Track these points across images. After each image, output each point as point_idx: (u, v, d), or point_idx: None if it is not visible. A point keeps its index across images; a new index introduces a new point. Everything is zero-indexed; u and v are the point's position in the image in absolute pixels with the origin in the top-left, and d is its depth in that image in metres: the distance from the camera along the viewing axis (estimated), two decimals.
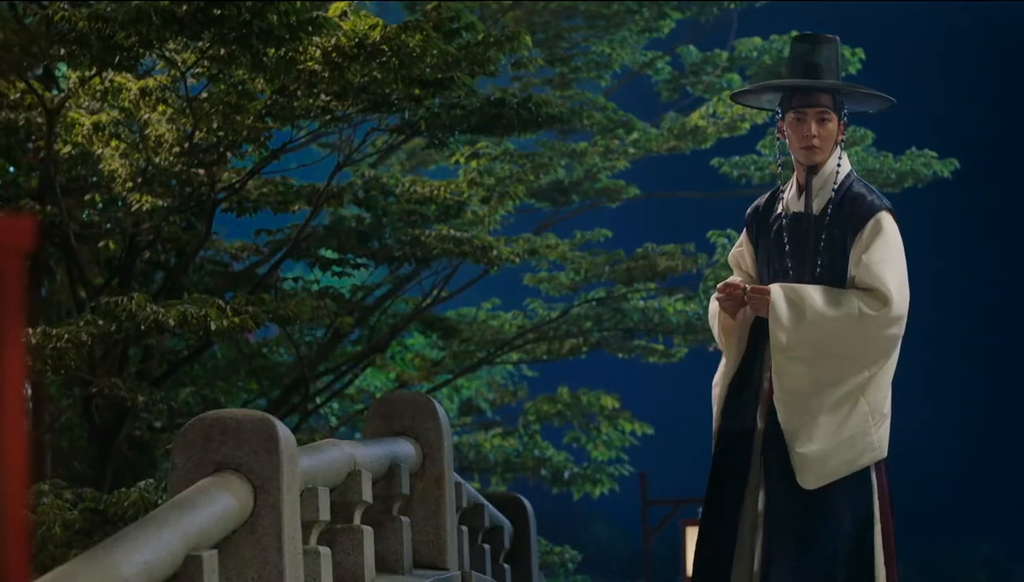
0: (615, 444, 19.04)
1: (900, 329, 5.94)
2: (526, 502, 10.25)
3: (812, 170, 6.10)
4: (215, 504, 4.37)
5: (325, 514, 5.27)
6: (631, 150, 16.68)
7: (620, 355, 17.62)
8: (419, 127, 11.30)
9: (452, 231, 12.68)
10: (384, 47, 9.48)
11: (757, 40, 18.40)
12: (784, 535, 5.91)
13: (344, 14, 9.52)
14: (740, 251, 6.37)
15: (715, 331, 6.28)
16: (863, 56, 18.17)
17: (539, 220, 17.75)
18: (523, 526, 10.06)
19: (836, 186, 6.06)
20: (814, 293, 5.96)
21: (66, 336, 8.94)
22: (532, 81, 16.28)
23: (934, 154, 17.18)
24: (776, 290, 5.99)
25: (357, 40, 9.46)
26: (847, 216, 6.01)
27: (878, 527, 5.97)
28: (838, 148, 6.13)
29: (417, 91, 9.99)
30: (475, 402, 19.60)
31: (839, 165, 6.10)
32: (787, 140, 6.16)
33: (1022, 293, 39.81)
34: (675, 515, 20.14)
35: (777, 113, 6.23)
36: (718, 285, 6.24)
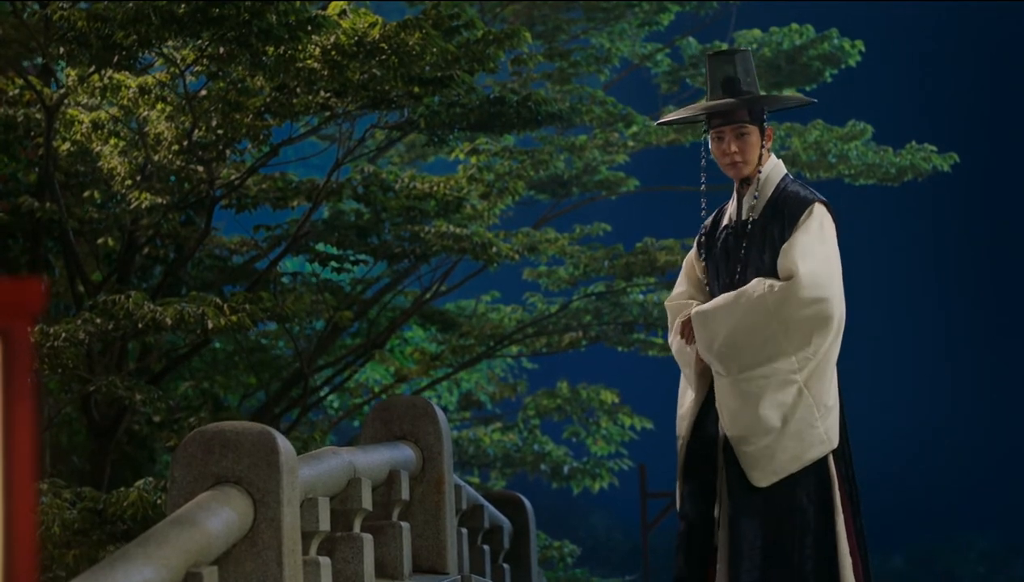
0: (615, 439, 19.04)
1: (819, 312, 5.94)
2: (525, 501, 10.24)
3: (745, 181, 6.23)
4: (215, 519, 4.36)
5: (325, 525, 5.26)
6: (630, 143, 16.67)
7: (619, 348, 17.62)
8: (419, 124, 11.29)
9: (451, 228, 12.67)
10: (383, 45, 9.47)
11: (757, 32, 18.39)
12: (749, 533, 5.99)
13: (343, 12, 9.50)
14: (692, 264, 6.51)
15: (682, 364, 6.39)
16: (863, 48, 18.15)
17: (538, 213, 17.73)
18: (522, 525, 10.05)
19: (772, 190, 6.19)
20: (722, 297, 6.15)
21: (64, 335, 8.93)
22: (531, 76, 16.26)
23: (934, 148, 17.15)
24: (693, 315, 6.19)
25: (356, 38, 9.45)
26: (783, 213, 6.15)
27: (841, 517, 6.02)
28: (767, 154, 6.26)
29: (416, 89, 9.97)
30: (475, 395, 19.59)
31: (760, 171, 6.21)
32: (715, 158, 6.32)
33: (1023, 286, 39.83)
34: (674, 508, 20.13)
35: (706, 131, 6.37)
36: (677, 325, 6.36)
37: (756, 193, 6.22)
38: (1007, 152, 39.80)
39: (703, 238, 6.47)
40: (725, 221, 6.35)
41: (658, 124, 6.95)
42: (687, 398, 6.32)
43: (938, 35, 40.26)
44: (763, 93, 6.46)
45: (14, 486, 1.77)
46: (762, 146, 6.24)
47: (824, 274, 6.00)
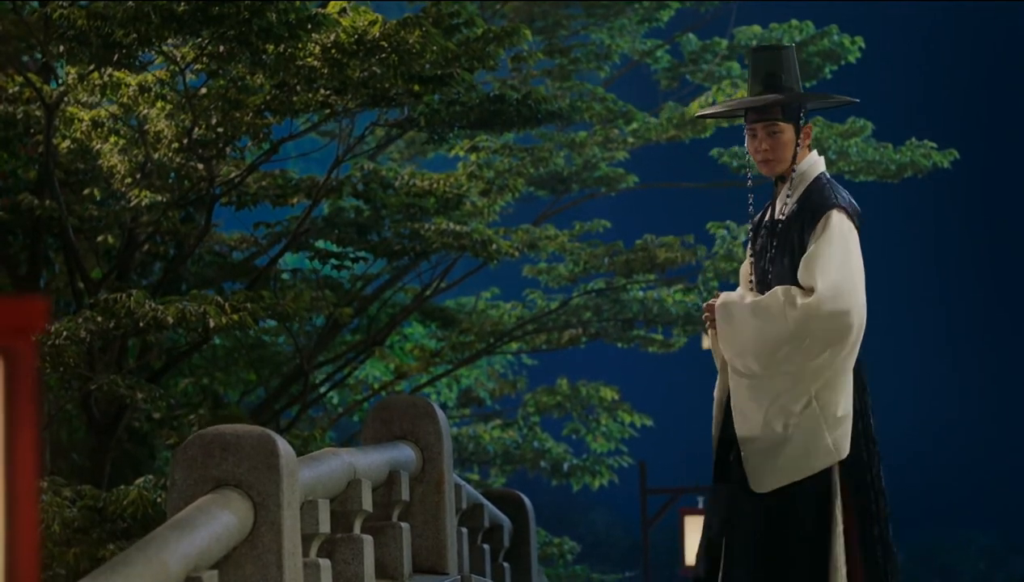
0: (614, 436, 19.03)
1: (839, 325, 5.89)
2: (525, 499, 10.24)
3: (781, 178, 6.21)
4: (215, 523, 4.35)
5: (325, 527, 5.26)
6: (630, 140, 16.65)
7: (619, 345, 17.62)
8: (419, 122, 11.29)
9: (451, 225, 12.66)
10: (383, 43, 9.47)
11: (756, 28, 18.37)
12: (744, 537, 5.99)
13: (343, 10, 9.50)
14: (745, 268, 6.48)
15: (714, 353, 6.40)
16: (863, 44, 18.14)
17: (538, 209, 17.73)
18: (522, 523, 10.05)
19: (803, 190, 6.15)
20: (747, 297, 6.16)
21: (65, 333, 8.93)
22: (531, 73, 16.25)
23: (933, 145, 17.14)
24: (717, 307, 6.18)
25: (356, 36, 9.45)
26: (805, 216, 6.11)
27: (840, 528, 5.98)
28: (804, 151, 6.22)
29: (416, 87, 9.97)
30: (475, 391, 19.59)
31: (794, 169, 6.17)
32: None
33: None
34: (674, 504, 20.16)
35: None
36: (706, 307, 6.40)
37: (789, 192, 6.18)
38: (1007, 148, 39.78)
39: (750, 232, 6.44)
40: (766, 217, 6.33)
41: (697, 117, 6.93)
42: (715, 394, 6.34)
43: (937, 31, 40.24)
44: (804, 91, 6.43)
45: (18, 503, 1.76)
46: (797, 144, 6.19)
47: (845, 285, 5.94)
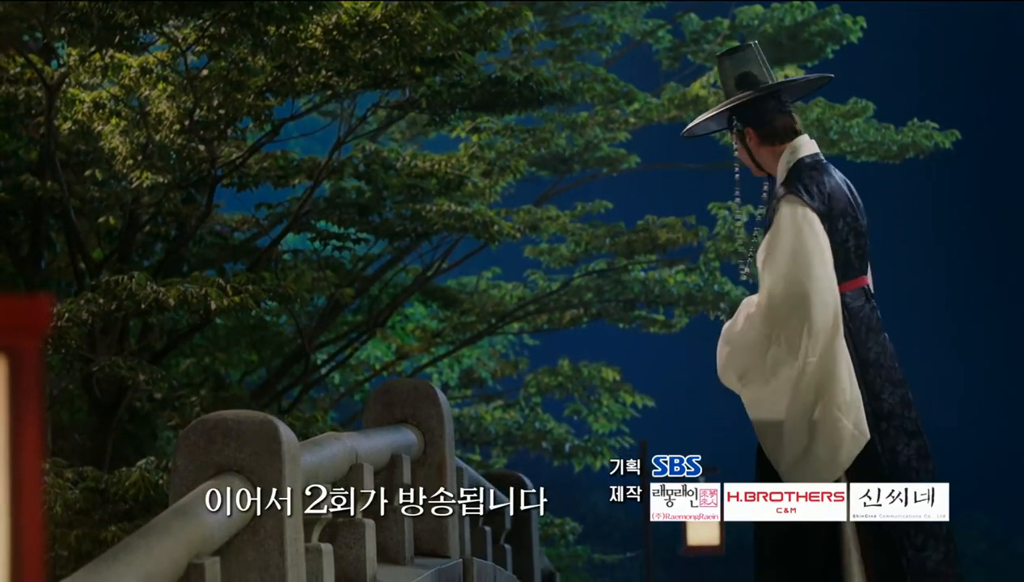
0: (616, 416, 19.03)
1: (800, 314, 5.78)
2: (527, 481, 10.23)
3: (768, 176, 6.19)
4: (217, 509, 4.36)
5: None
6: (632, 120, 16.64)
7: (621, 325, 17.62)
8: (420, 104, 11.29)
9: (453, 206, 12.66)
10: (385, 25, 9.47)
11: (758, 8, 18.35)
12: (762, 531, 5.99)
13: None
14: None
15: None
16: (864, 24, 18.12)
17: (540, 189, 17.73)
18: None
19: (780, 182, 6.11)
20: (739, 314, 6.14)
21: (67, 315, 8.94)
22: (533, 54, 16.23)
23: (935, 125, 17.13)
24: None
25: (358, 18, 9.44)
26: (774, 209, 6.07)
27: (852, 526, 5.94)
28: (763, 150, 6.14)
29: (418, 69, 9.97)
30: (476, 372, 19.59)
31: (764, 170, 6.15)
32: None
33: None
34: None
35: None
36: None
37: (767, 191, 6.16)
38: (1009, 129, 39.74)
39: None
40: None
41: (684, 136, 6.85)
42: None
43: (939, 12, 40.17)
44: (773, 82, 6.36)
45: (23, 501, 1.76)
46: (747, 148, 6.16)
47: (796, 272, 5.82)
